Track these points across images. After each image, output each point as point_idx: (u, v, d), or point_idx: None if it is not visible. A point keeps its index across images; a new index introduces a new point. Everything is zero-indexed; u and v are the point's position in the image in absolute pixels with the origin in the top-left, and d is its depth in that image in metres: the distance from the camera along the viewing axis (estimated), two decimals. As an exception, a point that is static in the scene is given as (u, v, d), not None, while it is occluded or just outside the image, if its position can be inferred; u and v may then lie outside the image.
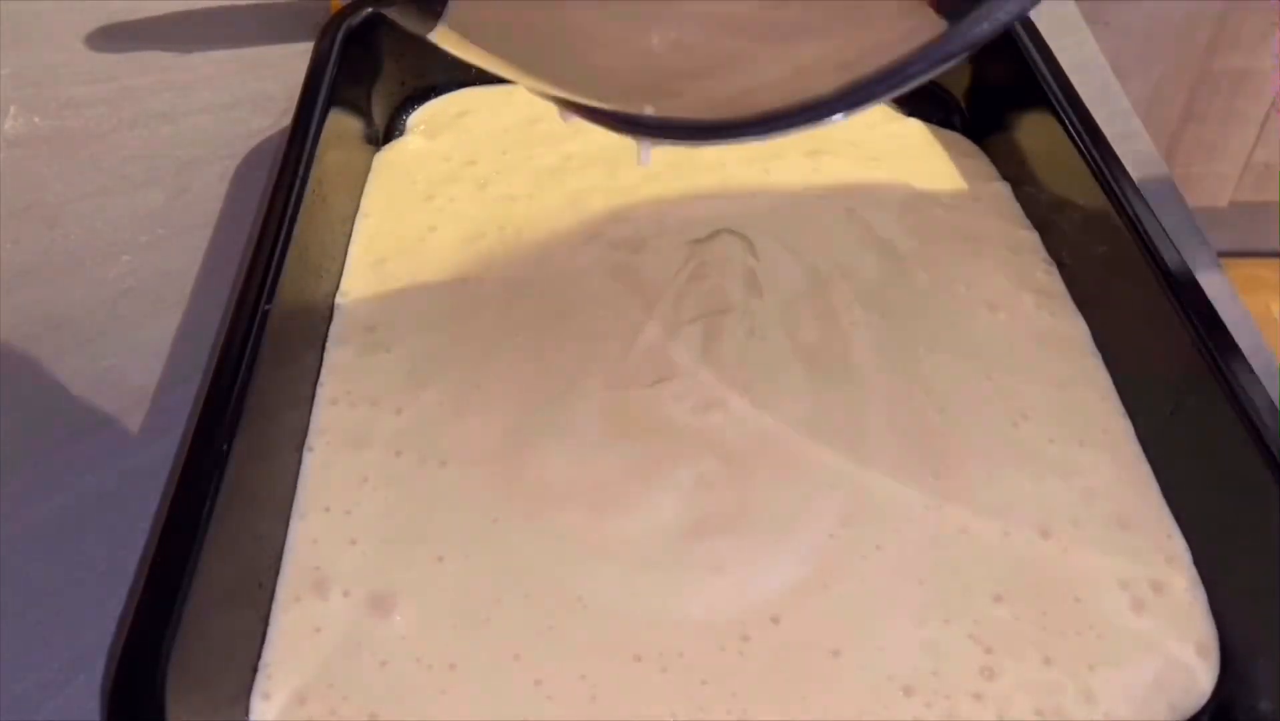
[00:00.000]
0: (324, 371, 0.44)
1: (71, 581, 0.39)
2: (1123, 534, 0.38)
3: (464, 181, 0.54)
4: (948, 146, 0.56)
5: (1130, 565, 0.37)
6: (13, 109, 0.60)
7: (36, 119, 0.60)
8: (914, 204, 0.53)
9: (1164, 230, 0.43)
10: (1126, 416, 0.42)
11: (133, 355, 0.47)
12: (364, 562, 0.38)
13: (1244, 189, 1.32)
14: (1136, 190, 0.44)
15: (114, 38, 0.66)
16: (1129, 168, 0.46)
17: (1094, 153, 0.46)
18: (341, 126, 0.51)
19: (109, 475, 0.42)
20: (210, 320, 0.48)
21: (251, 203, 0.54)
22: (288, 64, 0.64)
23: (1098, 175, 0.46)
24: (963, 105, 0.58)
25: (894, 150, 0.56)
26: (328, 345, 0.45)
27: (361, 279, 0.48)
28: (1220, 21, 1.19)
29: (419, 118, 0.58)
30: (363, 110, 0.55)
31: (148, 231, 0.53)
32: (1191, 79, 1.24)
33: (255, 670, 0.35)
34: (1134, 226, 0.43)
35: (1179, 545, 0.38)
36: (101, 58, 0.65)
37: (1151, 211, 0.43)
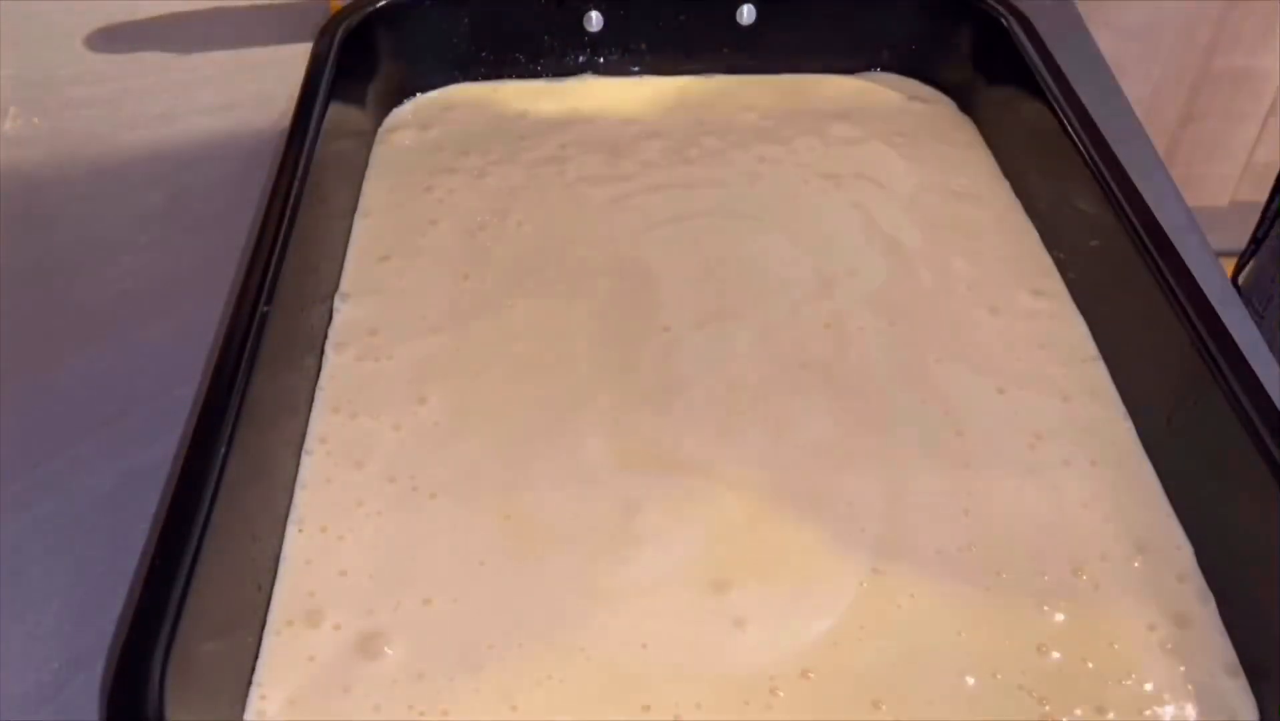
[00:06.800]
0: (325, 376, 0.44)
1: (71, 581, 0.39)
2: (1141, 558, 0.38)
3: (461, 173, 0.54)
4: (953, 141, 0.56)
5: (1153, 600, 0.37)
6: (12, 110, 0.60)
7: (36, 120, 0.60)
8: (918, 198, 0.52)
9: (1162, 230, 0.42)
10: (1129, 419, 0.42)
11: (133, 355, 0.47)
12: (353, 597, 0.37)
13: (1244, 189, 1.32)
14: (1135, 190, 0.44)
15: (114, 38, 0.66)
16: (1129, 168, 0.46)
17: (1092, 153, 0.46)
18: (339, 124, 0.51)
19: (109, 475, 0.42)
20: (210, 320, 0.48)
21: (251, 203, 0.54)
22: (288, 64, 0.64)
23: (1096, 175, 0.46)
24: (964, 98, 0.59)
25: (900, 141, 0.56)
26: (329, 349, 0.45)
27: (364, 278, 0.48)
28: (1220, 21, 1.19)
29: (407, 112, 0.58)
30: (360, 108, 0.55)
31: (147, 232, 0.53)
32: (1191, 79, 1.24)
33: (249, 685, 0.35)
34: (1132, 226, 0.43)
35: (1187, 555, 0.38)
36: (101, 58, 0.65)
37: (1150, 211, 0.43)
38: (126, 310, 0.49)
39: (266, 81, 0.62)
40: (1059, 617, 0.36)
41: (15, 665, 0.36)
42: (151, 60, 0.64)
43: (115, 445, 0.43)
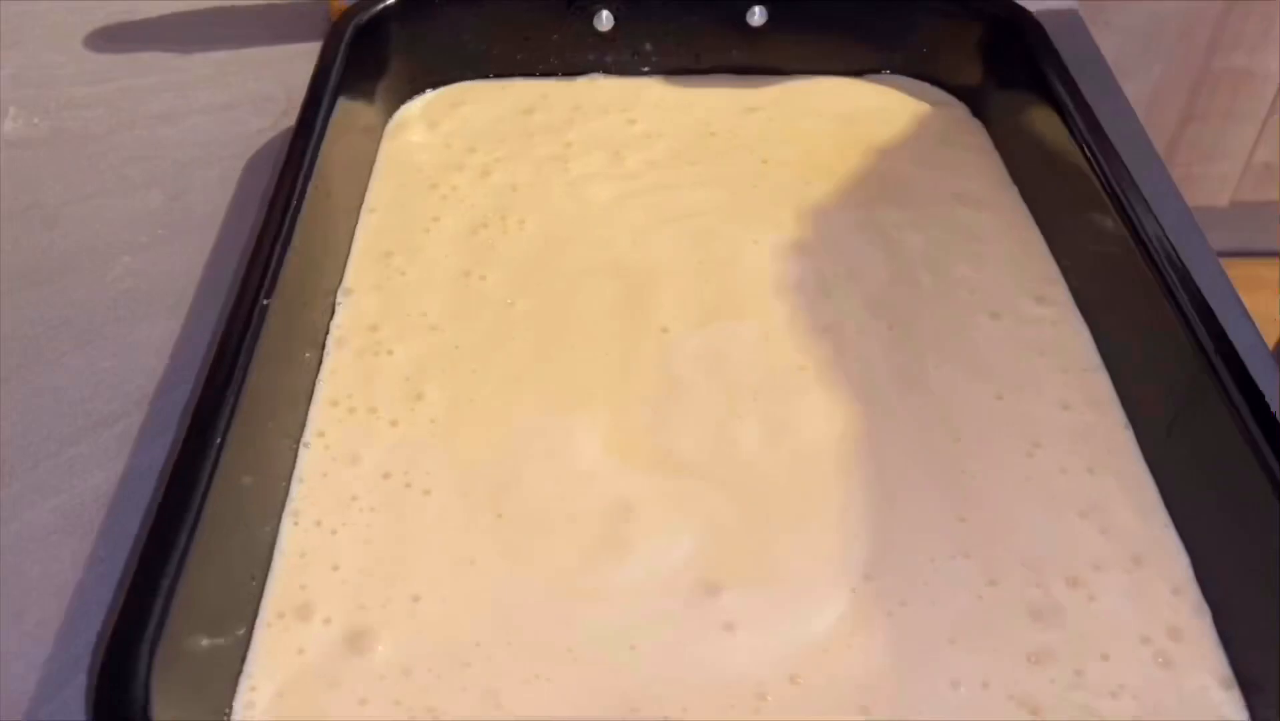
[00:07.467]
0: (326, 370, 0.44)
1: (71, 581, 0.39)
2: (1138, 570, 0.37)
3: (467, 170, 0.54)
4: (964, 145, 0.56)
5: (1148, 613, 0.36)
6: (12, 110, 0.60)
7: (36, 120, 0.60)
8: (924, 202, 0.52)
9: (1170, 243, 0.42)
10: (1129, 428, 0.42)
11: (133, 355, 0.47)
12: (345, 592, 0.37)
13: (1244, 189, 1.32)
14: (1144, 202, 0.44)
15: (114, 38, 0.66)
16: (1129, 167, 0.45)
17: (1102, 163, 0.46)
18: (348, 120, 0.51)
19: (109, 475, 0.42)
20: (210, 320, 0.48)
21: (251, 203, 0.54)
22: (288, 64, 0.64)
23: (1104, 186, 0.45)
24: (977, 103, 0.58)
25: (909, 144, 0.56)
26: (330, 343, 0.45)
27: (366, 274, 0.48)
28: (1220, 21, 1.19)
29: (416, 109, 0.58)
30: (369, 105, 0.55)
31: (147, 232, 0.53)
32: (1191, 79, 1.24)
33: (239, 676, 0.35)
34: (1139, 238, 0.42)
35: (1184, 567, 0.37)
36: (101, 58, 0.65)
37: (1158, 223, 0.43)
38: (126, 310, 0.49)
39: (266, 81, 0.62)
40: (1052, 628, 0.36)
41: (15, 665, 0.36)
42: (151, 60, 0.64)
43: (115, 445, 0.43)
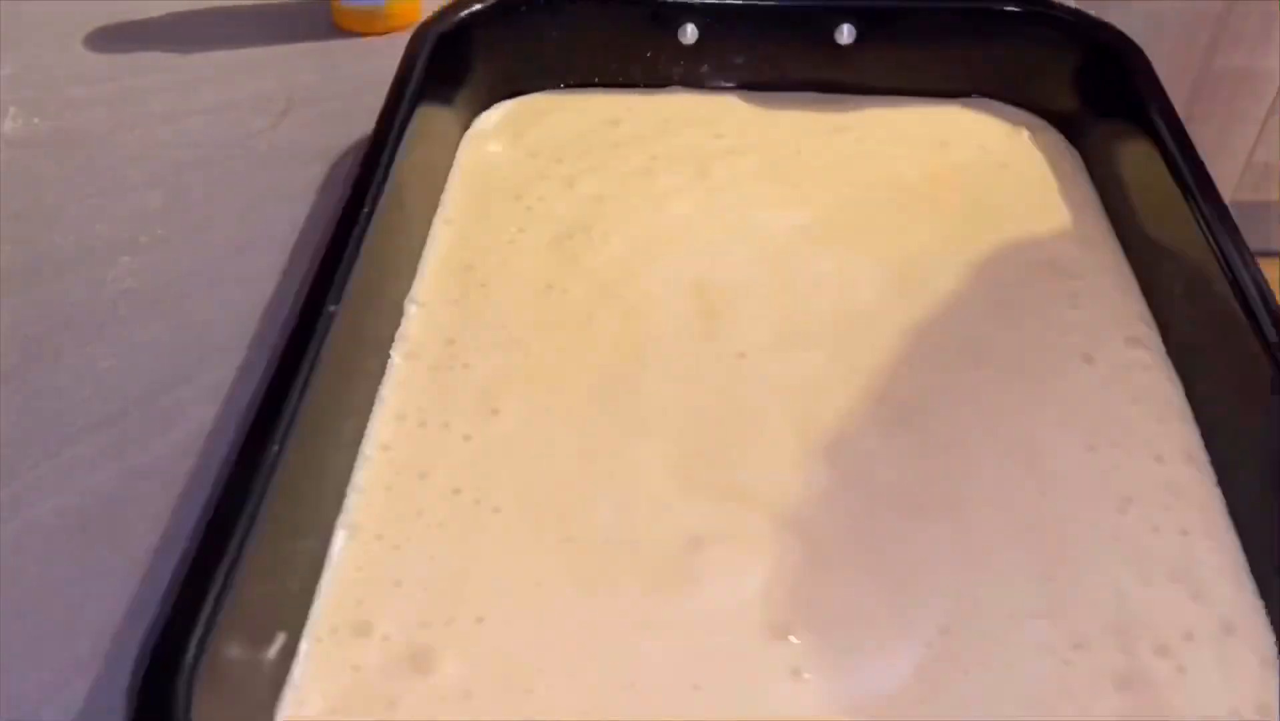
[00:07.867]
0: (394, 382, 0.43)
1: (71, 581, 0.39)
2: (1228, 640, 0.35)
3: (552, 180, 0.53)
4: (1058, 173, 0.54)
5: (1238, 687, 0.34)
6: (13, 110, 0.60)
7: (36, 120, 0.60)
8: (1015, 232, 0.50)
9: (1267, 288, 0.40)
10: (1218, 485, 0.40)
11: (133, 355, 0.47)
12: (406, 609, 0.36)
13: (1244, 189, 1.32)
14: (1241, 243, 0.43)
15: (114, 38, 0.66)
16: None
17: (1200, 203, 0.44)
18: (424, 128, 0.51)
19: (109, 475, 0.42)
20: (210, 320, 0.48)
21: (251, 203, 0.54)
22: (288, 64, 0.64)
23: (1201, 227, 0.44)
24: (1073, 130, 0.56)
25: (1001, 172, 0.54)
26: (401, 356, 0.44)
27: (445, 287, 0.47)
28: (1220, 21, 1.19)
29: (495, 118, 0.57)
30: (446, 113, 0.55)
31: (147, 232, 0.53)
32: (1191, 79, 1.24)
33: (283, 689, 0.34)
34: (1235, 283, 0.41)
35: (1270, 637, 0.36)
36: (101, 58, 0.65)
37: (1256, 267, 0.41)
38: (126, 310, 0.49)
39: (266, 81, 0.62)
40: (1137, 701, 0.34)
41: (15, 665, 0.36)
42: (151, 60, 0.64)
43: (115, 445, 0.43)
